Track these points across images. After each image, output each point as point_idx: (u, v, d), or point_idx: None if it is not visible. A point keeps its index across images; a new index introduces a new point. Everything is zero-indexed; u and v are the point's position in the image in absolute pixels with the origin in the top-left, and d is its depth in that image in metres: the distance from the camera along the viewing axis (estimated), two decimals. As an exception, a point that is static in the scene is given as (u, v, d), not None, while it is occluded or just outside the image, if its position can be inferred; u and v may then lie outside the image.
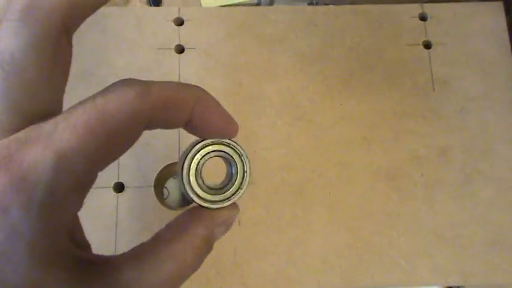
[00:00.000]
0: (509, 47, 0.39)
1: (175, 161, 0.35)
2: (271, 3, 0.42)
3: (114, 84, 0.19)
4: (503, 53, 0.39)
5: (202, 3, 0.42)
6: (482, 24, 0.40)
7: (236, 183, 0.23)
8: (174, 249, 0.21)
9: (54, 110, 0.19)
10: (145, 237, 0.33)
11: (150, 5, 0.48)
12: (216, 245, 0.33)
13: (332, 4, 0.41)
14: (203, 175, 0.23)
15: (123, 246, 0.33)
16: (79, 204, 0.19)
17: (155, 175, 0.35)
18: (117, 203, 0.34)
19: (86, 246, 0.21)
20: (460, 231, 0.35)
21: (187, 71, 0.37)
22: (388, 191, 0.35)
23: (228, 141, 0.23)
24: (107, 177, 0.34)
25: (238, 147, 0.23)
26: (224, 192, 0.23)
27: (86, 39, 0.37)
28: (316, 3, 0.42)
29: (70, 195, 0.18)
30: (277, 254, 0.34)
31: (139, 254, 0.21)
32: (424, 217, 0.35)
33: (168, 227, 0.23)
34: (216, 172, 0.25)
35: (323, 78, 0.38)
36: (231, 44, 0.38)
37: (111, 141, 0.18)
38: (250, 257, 0.33)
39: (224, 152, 0.23)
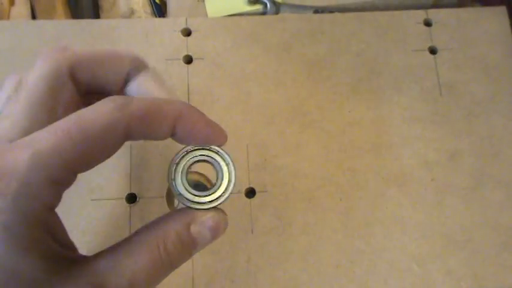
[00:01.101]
0: (514, 50, 0.39)
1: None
2: (277, 12, 0.42)
3: (100, 100, 0.22)
4: (508, 56, 0.39)
5: (208, 13, 0.43)
6: (487, 28, 0.40)
7: (220, 189, 0.24)
8: (149, 241, 0.22)
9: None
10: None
11: (156, 16, 0.48)
12: (229, 253, 0.33)
13: (337, 12, 0.41)
14: (189, 178, 0.24)
15: (137, 257, 0.33)
16: (54, 199, 0.21)
17: (167, 185, 0.35)
18: (129, 214, 0.34)
19: (70, 247, 0.22)
20: (471, 235, 0.35)
21: (195, 81, 0.37)
22: (399, 196, 0.35)
23: (216, 148, 0.24)
24: (119, 188, 0.34)
25: (225, 155, 0.24)
26: (208, 195, 0.24)
27: (95, 51, 0.37)
28: (322, 12, 0.42)
29: (44, 188, 0.20)
30: (291, 262, 0.34)
31: (116, 246, 0.22)
32: (435, 221, 0.35)
33: (149, 223, 0.24)
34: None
35: (331, 85, 0.38)
36: (238, 53, 0.38)
37: (88, 146, 0.21)
38: (264, 265, 0.34)
39: (211, 157, 0.24)
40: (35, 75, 0.23)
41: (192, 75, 0.38)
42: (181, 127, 0.23)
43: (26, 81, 0.23)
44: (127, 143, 0.35)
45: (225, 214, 0.25)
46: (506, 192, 0.36)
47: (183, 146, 0.24)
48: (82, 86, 0.25)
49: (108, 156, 0.22)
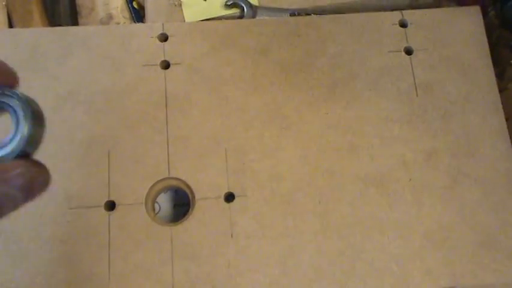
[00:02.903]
0: (488, 49, 0.40)
1: (166, 176, 0.35)
2: (254, 15, 0.42)
3: None
4: (483, 55, 0.40)
5: (185, 17, 0.43)
6: (461, 28, 0.40)
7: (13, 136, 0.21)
8: None
9: None
10: (138, 254, 0.33)
11: (134, 21, 0.48)
12: (209, 258, 0.33)
13: (314, 14, 0.41)
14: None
15: (117, 265, 0.33)
16: None
17: (146, 191, 0.35)
18: (109, 221, 0.34)
19: None
20: (449, 234, 0.35)
21: (173, 86, 0.37)
22: (377, 196, 0.36)
23: (10, 91, 0.22)
24: (97, 195, 0.34)
25: (20, 95, 0.22)
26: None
27: (72, 59, 0.37)
28: (298, 14, 0.42)
29: None
30: (271, 265, 0.34)
31: None
32: (413, 221, 0.35)
33: None
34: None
35: (308, 87, 0.38)
36: (215, 58, 0.38)
37: None
38: (244, 269, 0.34)
39: (5, 102, 0.22)
40: None
41: (169, 81, 0.38)
42: None
43: None
44: (105, 150, 0.35)
45: (43, 167, 0.22)
46: (483, 191, 0.36)
47: None
48: None
49: None
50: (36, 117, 0.22)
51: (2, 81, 0.22)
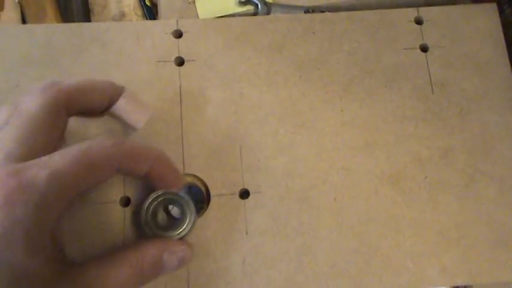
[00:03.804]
0: (504, 46, 0.40)
1: (181, 173, 0.35)
2: (268, 12, 0.42)
3: (98, 137, 0.28)
4: (499, 53, 0.39)
5: (199, 14, 0.43)
6: (478, 25, 0.40)
7: (183, 224, 0.31)
8: (130, 258, 0.28)
9: (50, 151, 0.27)
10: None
11: (147, 18, 0.48)
12: (224, 255, 0.33)
13: (328, 11, 0.41)
14: (159, 217, 0.32)
15: (132, 261, 0.33)
16: (63, 212, 0.26)
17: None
18: (124, 217, 0.34)
19: (64, 252, 0.27)
20: (465, 232, 0.35)
21: (187, 83, 0.37)
22: (393, 194, 0.36)
23: (174, 191, 0.31)
24: (113, 191, 0.34)
25: (185, 197, 0.31)
26: (174, 230, 0.31)
27: (86, 56, 0.37)
28: (313, 11, 0.42)
29: (58, 202, 0.25)
30: (286, 262, 0.34)
31: (103, 257, 0.28)
32: (429, 219, 0.35)
33: (131, 243, 0.32)
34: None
35: (323, 84, 0.38)
36: (230, 55, 0.38)
37: (92, 172, 0.27)
38: (259, 265, 0.34)
39: (176, 200, 0.31)
40: (35, 105, 0.27)
41: (183, 77, 0.38)
42: (155, 168, 0.30)
43: (24, 110, 0.27)
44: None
45: (191, 247, 0.31)
46: (499, 188, 0.36)
47: (149, 196, 0.31)
48: (72, 113, 0.30)
49: (102, 182, 0.29)
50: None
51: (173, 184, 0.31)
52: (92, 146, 0.27)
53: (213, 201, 0.35)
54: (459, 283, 0.34)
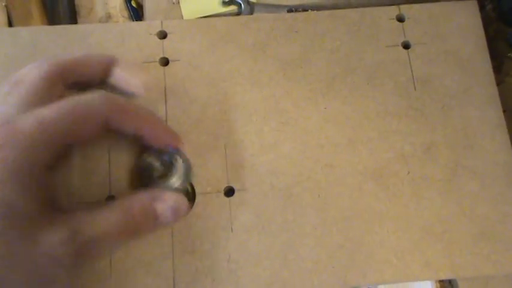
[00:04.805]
0: (485, 43, 0.40)
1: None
2: (251, 12, 0.43)
3: (91, 91, 0.30)
4: (481, 49, 0.40)
5: (183, 15, 0.43)
6: (459, 22, 0.41)
7: (176, 175, 0.33)
8: (119, 205, 0.29)
9: None
10: (139, 249, 0.33)
11: (133, 20, 0.48)
12: (209, 252, 0.34)
13: (311, 10, 0.42)
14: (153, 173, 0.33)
15: (118, 259, 0.33)
16: (52, 160, 0.28)
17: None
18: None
19: (60, 205, 0.29)
20: (448, 226, 0.35)
21: (172, 82, 0.38)
22: (376, 190, 0.36)
23: (166, 149, 0.33)
24: (98, 191, 0.34)
25: (177, 151, 0.33)
26: (165, 181, 0.32)
27: (71, 56, 0.38)
28: (296, 10, 0.42)
29: (46, 147, 0.27)
30: (271, 259, 0.34)
31: (92, 205, 0.30)
32: (412, 214, 0.35)
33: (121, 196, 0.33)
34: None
35: (306, 83, 0.38)
36: (214, 54, 0.39)
37: (81, 122, 0.29)
38: (244, 262, 0.34)
39: (164, 154, 0.33)
40: (32, 76, 0.29)
41: (168, 77, 0.38)
42: (147, 127, 0.32)
43: (25, 80, 0.29)
44: (105, 146, 0.35)
45: (186, 200, 0.32)
46: (481, 182, 0.36)
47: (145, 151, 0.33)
48: (69, 82, 0.31)
49: (91, 136, 0.30)
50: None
51: (168, 142, 0.33)
52: (81, 99, 0.29)
53: (198, 199, 0.35)
54: (443, 277, 0.35)
